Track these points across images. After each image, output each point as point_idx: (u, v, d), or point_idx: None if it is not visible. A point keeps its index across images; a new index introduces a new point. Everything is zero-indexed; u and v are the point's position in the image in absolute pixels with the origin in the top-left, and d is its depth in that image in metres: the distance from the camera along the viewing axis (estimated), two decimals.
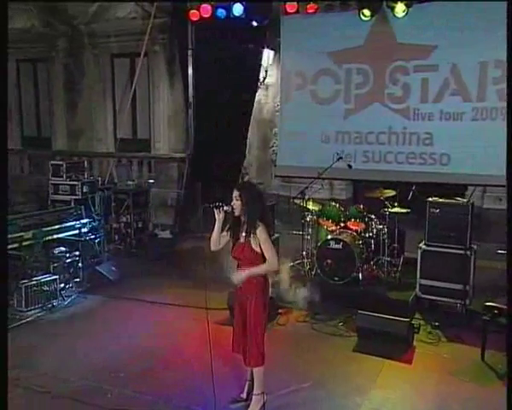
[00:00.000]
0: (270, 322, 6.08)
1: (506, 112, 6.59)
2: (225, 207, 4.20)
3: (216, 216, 4.22)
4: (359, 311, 5.79)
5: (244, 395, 4.44)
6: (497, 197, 9.28)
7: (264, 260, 4.19)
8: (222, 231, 4.30)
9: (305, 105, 9.63)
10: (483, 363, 5.20)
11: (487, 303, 5.46)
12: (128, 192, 9.45)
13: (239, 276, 4.17)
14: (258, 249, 4.15)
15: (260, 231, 4.11)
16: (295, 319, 6.35)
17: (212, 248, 4.35)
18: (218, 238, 4.31)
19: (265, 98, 11.52)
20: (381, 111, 8.93)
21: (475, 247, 6.70)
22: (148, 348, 5.53)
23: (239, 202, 4.16)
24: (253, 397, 4.29)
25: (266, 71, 10.96)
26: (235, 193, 4.21)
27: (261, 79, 11.05)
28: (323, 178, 9.22)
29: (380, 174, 8.97)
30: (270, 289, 6.44)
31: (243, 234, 4.20)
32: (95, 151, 12.78)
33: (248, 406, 4.30)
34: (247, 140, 11.36)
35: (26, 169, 13.34)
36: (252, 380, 4.38)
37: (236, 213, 4.20)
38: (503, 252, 7.52)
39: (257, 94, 11.25)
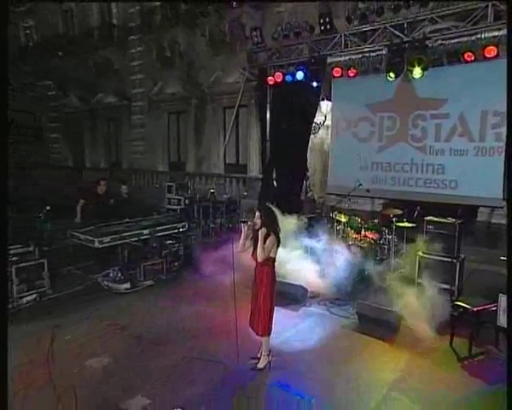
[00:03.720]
0: (300, 302, 6.04)
1: (506, 121, 5.87)
2: (249, 223, 4.23)
3: (242, 229, 4.25)
4: (359, 300, 5.58)
5: (259, 355, 4.40)
6: (503, 215, 8.24)
7: (272, 261, 4.24)
8: (246, 239, 4.30)
9: (349, 142, 9.53)
10: (450, 348, 4.81)
11: (456, 303, 5.00)
12: (222, 202, 9.78)
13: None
14: (268, 253, 4.17)
15: (270, 240, 4.13)
16: (318, 302, 6.17)
17: (239, 250, 4.32)
18: (244, 244, 4.28)
19: (326, 135, 11.25)
20: (405, 148, 8.63)
21: (463, 256, 6.07)
22: (204, 315, 5.54)
23: (259, 220, 4.19)
24: (262, 356, 4.34)
25: (325, 116, 10.77)
26: (257, 213, 4.21)
27: (322, 121, 10.91)
28: (365, 197, 9.07)
29: (403, 194, 8.62)
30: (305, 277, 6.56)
31: (260, 242, 4.16)
32: (211, 172, 13.29)
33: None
34: (312, 166, 11.30)
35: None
36: None
37: (257, 228, 4.20)
38: (504, 259, 6.77)
39: (320, 132, 11.17)
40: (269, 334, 4.31)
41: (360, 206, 9.76)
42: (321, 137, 11.30)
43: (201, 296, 6.14)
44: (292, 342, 4.90)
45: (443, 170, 7.95)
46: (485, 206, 7.66)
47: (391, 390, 4.03)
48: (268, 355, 4.35)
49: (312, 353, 4.69)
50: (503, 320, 3.96)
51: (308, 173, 11.30)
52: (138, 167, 15.44)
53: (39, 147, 19.56)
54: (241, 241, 4.29)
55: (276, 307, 4.40)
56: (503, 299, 3.96)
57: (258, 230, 4.20)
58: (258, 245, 4.11)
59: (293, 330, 5.26)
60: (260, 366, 4.30)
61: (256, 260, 4.27)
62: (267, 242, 4.14)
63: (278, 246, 4.31)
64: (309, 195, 11.29)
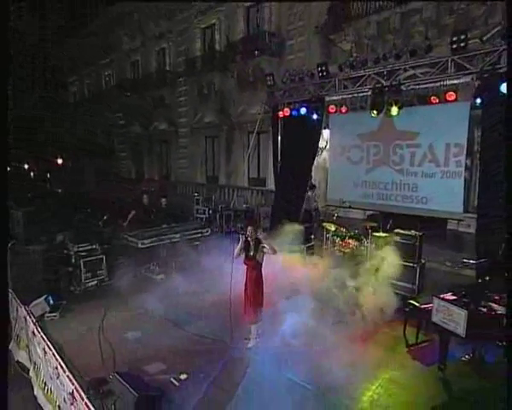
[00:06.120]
0: (292, 295, 5.93)
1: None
2: (244, 233, 4.46)
3: (239, 238, 4.48)
4: None
5: (250, 337, 4.60)
6: (467, 225, 8.08)
7: (260, 266, 4.47)
8: (240, 248, 4.47)
9: (343, 165, 9.62)
10: (403, 336, 4.91)
11: (409, 300, 5.11)
12: (242, 210, 10.12)
13: None
14: (258, 260, 4.40)
15: (260, 248, 4.39)
16: (306, 295, 6.12)
17: (235, 256, 4.46)
18: (239, 251, 4.47)
19: (328, 157, 11.40)
20: (387, 170, 8.65)
21: (423, 261, 6.12)
22: (210, 301, 5.55)
23: (251, 234, 4.45)
24: (251, 338, 4.60)
25: (327, 141, 10.89)
26: (250, 228, 4.44)
27: (324, 146, 11.02)
28: (358, 208, 9.18)
29: (385, 207, 8.63)
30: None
31: (251, 251, 4.46)
32: (238, 185, 13.59)
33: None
34: (317, 181, 11.40)
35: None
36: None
37: (249, 239, 4.46)
38: (466, 261, 6.75)
39: (323, 154, 11.23)
40: (256, 322, 4.52)
41: (354, 215, 9.91)
42: (324, 157, 11.33)
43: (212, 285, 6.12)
44: (280, 327, 4.92)
45: (416, 188, 7.94)
46: (451, 218, 7.62)
47: (348, 368, 4.17)
48: (256, 338, 4.59)
49: (295, 335, 4.68)
50: (435, 318, 4.09)
51: (314, 187, 11.49)
52: (182, 180, 16.20)
53: (111, 162, 21.00)
54: (237, 248, 4.50)
55: (271, 300, 4.59)
56: (435, 301, 4.09)
57: (249, 241, 4.46)
58: (254, 252, 4.37)
59: (283, 317, 5.37)
60: (250, 345, 4.56)
61: (247, 264, 4.52)
62: (259, 250, 4.42)
63: (264, 254, 4.52)
64: (314, 205, 11.49)
